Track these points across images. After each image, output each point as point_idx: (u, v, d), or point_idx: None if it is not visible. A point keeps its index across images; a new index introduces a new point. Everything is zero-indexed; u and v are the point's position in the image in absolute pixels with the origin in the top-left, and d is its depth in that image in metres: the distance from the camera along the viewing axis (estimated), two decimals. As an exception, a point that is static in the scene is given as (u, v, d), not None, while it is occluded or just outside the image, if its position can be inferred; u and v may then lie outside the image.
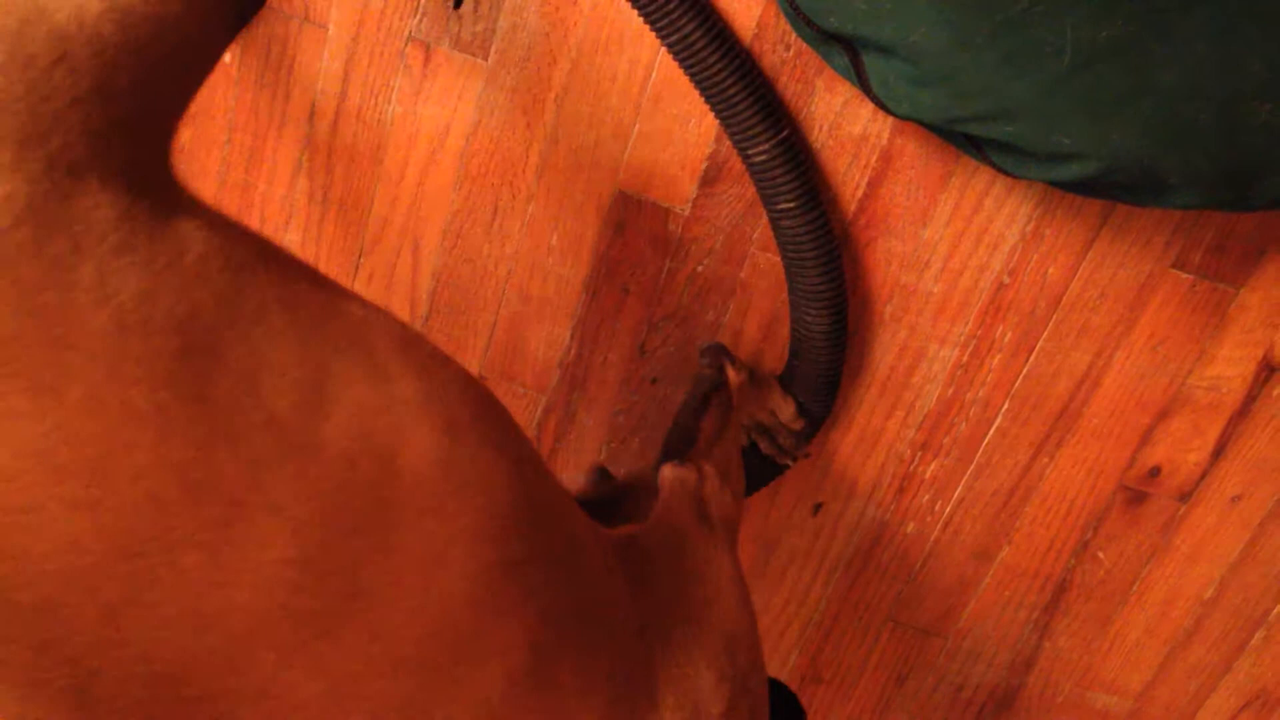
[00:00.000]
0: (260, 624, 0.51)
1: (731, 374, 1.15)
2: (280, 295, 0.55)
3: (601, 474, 1.18)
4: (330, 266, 1.27)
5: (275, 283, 0.56)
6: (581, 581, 0.69)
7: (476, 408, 0.65)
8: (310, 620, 0.52)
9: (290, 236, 1.27)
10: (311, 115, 1.19)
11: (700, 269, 1.21)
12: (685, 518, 0.91)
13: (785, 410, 1.20)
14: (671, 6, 1.01)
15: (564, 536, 0.69)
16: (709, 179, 1.16)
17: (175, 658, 0.50)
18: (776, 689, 1.11)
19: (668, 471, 0.98)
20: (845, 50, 0.97)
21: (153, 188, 0.53)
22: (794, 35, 1.07)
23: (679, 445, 1.03)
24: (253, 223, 1.26)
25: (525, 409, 1.32)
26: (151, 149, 0.55)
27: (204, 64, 0.62)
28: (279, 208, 1.25)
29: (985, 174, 1.11)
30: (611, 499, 1.07)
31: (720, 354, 1.16)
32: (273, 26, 1.16)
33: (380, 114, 1.18)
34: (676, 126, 1.14)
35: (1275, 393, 1.20)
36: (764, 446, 1.22)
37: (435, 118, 1.17)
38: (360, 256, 1.26)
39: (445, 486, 0.59)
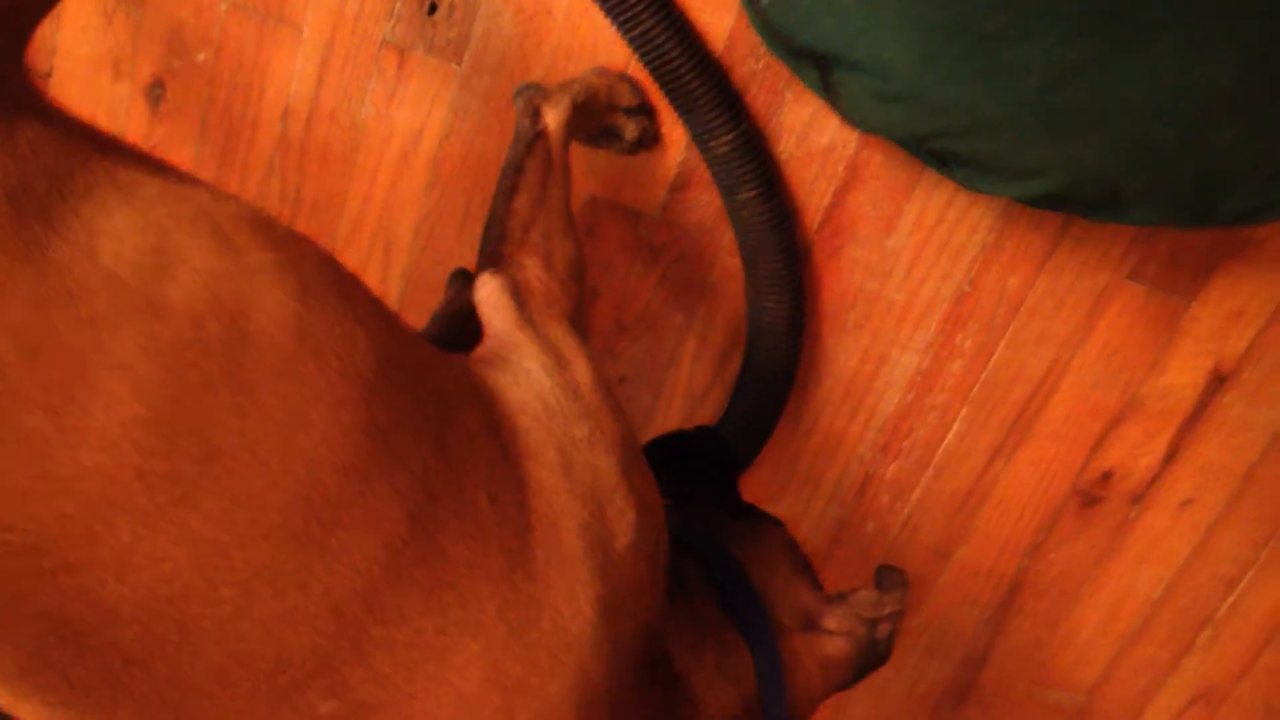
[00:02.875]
0: (113, 487, 0.50)
1: (550, 117, 0.96)
2: (116, 178, 0.58)
3: (463, 279, 1.10)
4: (301, 265, 1.28)
5: (110, 168, 0.58)
6: (458, 447, 0.67)
7: (332, 278, 0.65)
8: (165, 484, 0.52)
9: (261, 235, 1.27)
10: (285, 115, 1.20)
11: (669, 273, 1.23)
12: (510, 335, 0.83)
13: (622, 95, 1.12)
14: (633, 2, 1.03)
15: (434, 402, 0.67)
16: (679, 185, 1.17)
17: (31, 526, 0.49)
18: (701, 436, 1.11)
19: (479, 291, 0.87)
20: (816, 65, 0.99)
21: None
22: (765, 48, 1.09)
23: (492, 245, 0.92)
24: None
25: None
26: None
27: None
28: (251, 206, 1.25)
29: (948, 185, 1.14)
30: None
31: (534, 94, 0.98)
32: (246, 26, 1.16)
33: (354, 116, 1.19)
34: (648, 134, 1.16)
35: (1225, 401, 1.23)
36: (620, 148, 1.16)
37: (409, 121, 1.18)
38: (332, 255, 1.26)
39: (300, 350, 0.59)
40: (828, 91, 1.01)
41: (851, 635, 0.91)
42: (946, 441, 1.29)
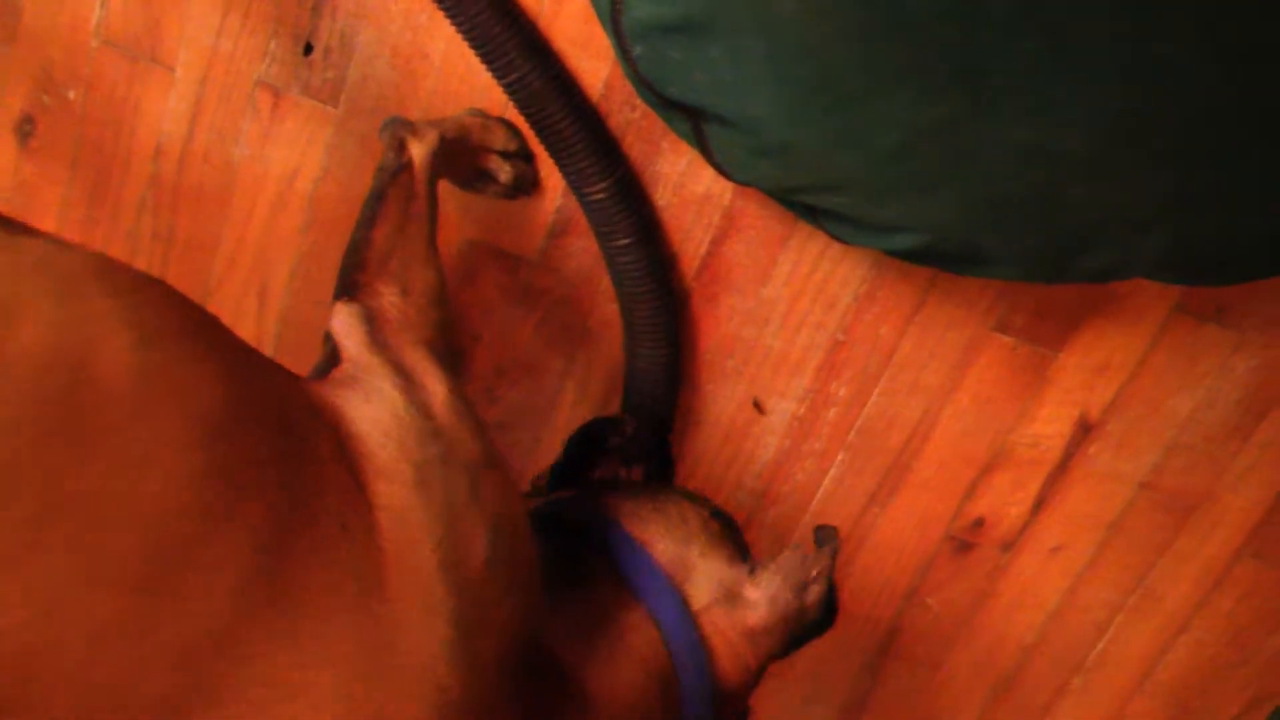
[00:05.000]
0: None
1: (415, 150, 0.96)
2: None
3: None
4: (175, 305, 1.26)
5: None
6: (309, 476, 0.67)
7: (178, 320, 0.65)
8: (6, 535, 0.51)
9: (134, 273, 1.25)
10: (157, 154, 1.18)
11: (548, 318, 1.23)
12: (362, 359, 0.82)
13: (497, 137, 1.12)
14: (509, 49, 1.03)
15: (284, 433, 0.68)
16: (558, 231, 1.18)
17: None
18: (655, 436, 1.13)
19: (333, 320, 0.86)
20: (687, 117, 1.00)
21: None
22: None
23: (349, 274, 0.91)
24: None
25: (372, 451, 1.32)
26: None
27: None
28: (122, 245, 1.23)
29: (821, 237, 1.15)
30: None
31: (399, 128, 0.97)
32: (118, 64, 1.14)
33: (227, 156, 1.18)
34: (525, 180, 1.16)
35: (1091, 451, 1.26)
36: (495, 192, 1.16)
37: (284, 161, 1.17)
38: (206, 296, 1.25)
39: (143, 395, 0.58)
40: (699, 143, 1.01)
41: (774, 602, 0.91)
42: (823, 488, 1.30)
